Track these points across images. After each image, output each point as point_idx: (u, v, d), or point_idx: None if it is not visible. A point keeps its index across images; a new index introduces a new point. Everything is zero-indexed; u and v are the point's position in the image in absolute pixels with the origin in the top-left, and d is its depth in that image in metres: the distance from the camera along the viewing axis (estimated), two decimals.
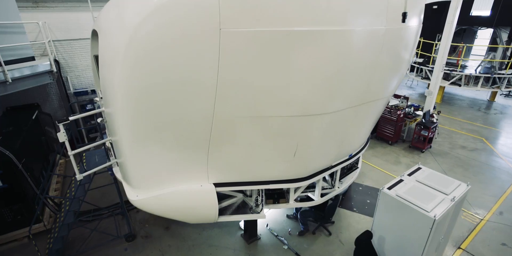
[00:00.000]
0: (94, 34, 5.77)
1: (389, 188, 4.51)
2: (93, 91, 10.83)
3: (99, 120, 4.83)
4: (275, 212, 6.99)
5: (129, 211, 7.06)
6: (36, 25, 8.60)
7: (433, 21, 15.56)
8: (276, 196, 5.49)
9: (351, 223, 6.63)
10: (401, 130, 10.47)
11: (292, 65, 3.35)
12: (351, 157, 5.62)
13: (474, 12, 15.21)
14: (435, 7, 16.40)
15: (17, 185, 5.72)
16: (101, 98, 5.14)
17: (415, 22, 4.53)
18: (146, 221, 6.76)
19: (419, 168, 5.09)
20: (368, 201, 7.39)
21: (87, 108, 10.68)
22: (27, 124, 7.42)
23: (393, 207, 4.35)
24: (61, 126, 4.37)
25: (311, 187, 5.70)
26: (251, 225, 6.07)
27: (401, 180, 4.72)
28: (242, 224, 6.44)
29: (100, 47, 4.09)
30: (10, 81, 7.18)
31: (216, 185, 4.68)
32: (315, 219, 6.30)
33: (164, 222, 6.71)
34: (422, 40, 15.47)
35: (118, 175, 5.19)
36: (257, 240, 6.16)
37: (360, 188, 7.95)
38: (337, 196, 6.09)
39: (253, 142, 4.11)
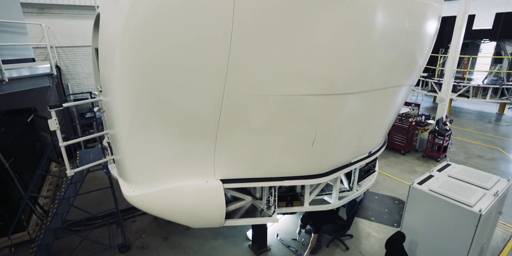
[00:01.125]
0: (96, 25, 5.54)
1: (419, 183, 3.98)
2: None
3: (95, 109, 4.42)
4: (285, 221, 6.34)
5: (125, 220, 6.43)
6: (40, 30, 8.49)
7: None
8: (289, 199, 4.93)
9: (370, 232, 5.96)
10: (413, 139, 10.00)
11: (317, 30, 2.99)
12: (370, 154, 5.12)
13: (476, 26, 15.37)
14: None
15: (1, 185, 5.16)
16: (100, 91, 4.79)
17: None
18: (143, 231, 6.11)
19: (448, 164, 4.58)
20: (386, 210, 6.76)
21: (86, 116, 10.33)
22: (20, 126, 6.99)
23: (426, 204, 3.80)
24: (53, 112, 3.94)
25: (327, 186, 5.16)
26: (260, 235, 5.42)
27: (431, 176, 4.20)
28: (249, 234, 5.79)
29: (101, 25, 3.80)
30: (7, 80, 6.86)
31: (224, 181, 4.15)
32: (332, 232, 5.62)
33: (162, 232, 6.05)
34: None
35: (114, 172, 4.67)
36: (267, 251, 5.48)
37: (376, 197, 7.34)
38: (355, 202, 5.50)
39: (267, 127, 3.65)
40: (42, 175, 7.50)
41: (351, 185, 5.40)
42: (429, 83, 15.20)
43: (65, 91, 9.93)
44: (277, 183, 4.23)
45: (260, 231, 5.38)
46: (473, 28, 15.21)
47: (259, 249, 5.44)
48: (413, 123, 9.53)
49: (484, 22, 15.92)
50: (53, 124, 3.97)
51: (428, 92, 15.30)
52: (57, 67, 9.28)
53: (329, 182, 5.42)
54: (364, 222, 6.32)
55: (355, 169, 5.25)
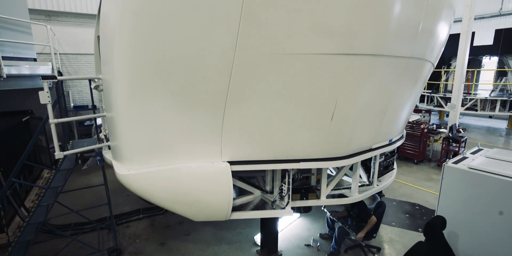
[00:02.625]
0: (99, 12, 5.41)
1: (454, 163, 3.50)
2: (94, 107, 10.27)
3: (92, 85, 4.08)
4: (297, 227, 5.68)
5: (118, 225, 5.78)
6: (45, 36, 8.45)
7: None
8: (303, 191, 4.39)
9: (393, 238, 5.29)
10: (426, 148, 9.52)
11: None
12: (391, 143, 4.67)
13: (476, 42, 15.60)
14: None
15: None
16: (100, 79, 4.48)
17: None
18: (137, 236, 5.44)
19: (480, 149, 4.12)
20: (407, 215, 6.12)
21: (85, 124, 9.98)
22: (12, 125, 6.62)
23: (465, 186, 3.29)
24: (45, 84, 3.61)
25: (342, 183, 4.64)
26: (270, 238, 4.77)
27: (464, 157, 3.73)
28: (257, 239, 5.12)
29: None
30: (5, 76, 6.64)
31: (232, 163, 3.67)
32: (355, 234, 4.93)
33: (159, 237, 5.39)
34: None
35: (108, 155, 4.20)
36: None
37: (394, 202, 6.71)
38: (381, 203, 4.89)
39: (282, 95, 3.28)
40: (30, 180, 6.96)
41: (370, 179, 4.87)
42: (435, 98, 15.04)
43: (65, 98, 9.71)
44: (292, 165, 3.74)
45: (270, 234, 4.74)
46: (474, 44, 15.40)
47: (269, 254, 4.76)
48: (425, 130, 9.13)
49: (484, 39, 16.22)
50: (44, 97, 3.62)
51: (434, 107, 15.07)
52: (59, 73, 9.13)
53: (347, 175, 4.91)
54: (385, 227, 5.66)
55: (374, 160, 4.78)
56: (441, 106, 14.64)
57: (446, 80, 15.52)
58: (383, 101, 3.87)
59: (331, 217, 5.02)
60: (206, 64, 3.05)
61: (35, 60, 7.62)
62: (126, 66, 3.13)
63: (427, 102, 15.88)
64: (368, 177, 4.93)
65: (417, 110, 10.16)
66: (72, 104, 10.00)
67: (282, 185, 4.03)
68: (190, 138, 3.51)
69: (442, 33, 4.15)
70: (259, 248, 4.96)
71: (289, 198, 4.00)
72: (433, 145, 9.94)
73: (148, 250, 5.01)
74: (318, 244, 5.02)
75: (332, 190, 4.55)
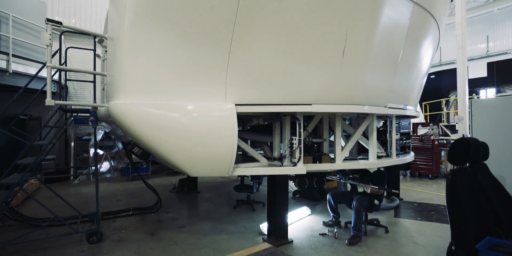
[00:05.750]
0: None
1: None
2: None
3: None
4: (309, 221, 4.95)
5: (103, 220, 5.02)
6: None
7: (434, 88, 16.48)
8: (316, 155, 3.92)
9: (421, 229, 4.53)
10: (439, 164, 8.99)
11: None
12: (405, 108, 4.37)
13: (471, 76, 16.18)
14: (432, 76, 17.66)
15: None
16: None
17: None
18: (124, 228, 4.69)
19: None
20: (432, 212, 5.38)
21: (83, 138, 9.68)
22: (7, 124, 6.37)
23: (495, 112, 2.92)
24: (49, 26, 3.56)
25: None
26: (279, 224, 4.05)
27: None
28: (263, 228, 4.39)
29: None
30: (11, 72, 6.71)
31: (238, 105, 3.36)
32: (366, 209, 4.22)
33: (149, 229, 4.64)
34: (428, 103, 15.76)
35: (103, 109, 3.86)
36: (289, 243, 4.03)
37: (415, 204, 5.99)
38: (383, 173, 4.30)
39: (291, 26, 3.17)
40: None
41: (388, 151, 4.42)
42: (439, 127, 14.89)
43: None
44: (302, 108, 3.40)
45: (278, 219, 4.04)
46: (469, 77, 15.97)
47: (277, 240, 4.01)
48: (436, 142, 8.76)
49: (476, 71, 16.89)
50: (46, 38, 3.52)
51: (440, 135, 14.82)
52: (65, 87, 9.27)
53: (363, 143, 4.46)
54: (410, 221, 4.91)
55: (390, 129, 4.41)
56: (447, 135, 14.38)
57: (447, 108, 15.65)
58: (395, 48, 3.73)
59: (334, 197, 4.38)
60: None
61: (44, 64, 7.76)
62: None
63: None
64: (385, 150, 4.48)
65: (425, 124, 9.92)
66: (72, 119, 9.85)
67: (292, 139, 3.61)
68: (194, 76, 3.28)
69: None
70: (266, 236, 4.21)
71: (300, 153, 3.54)
72: (446, 162, 9.42)
73: (135, 239, 4.25)
74: (335, 230, 4.27)
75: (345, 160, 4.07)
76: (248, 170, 3.47)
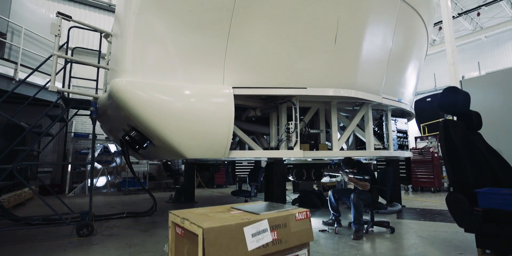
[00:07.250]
0: None
1: None
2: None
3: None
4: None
5: (96, 221, 4.85)
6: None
7: (430, 111, 16.72)
8: (313, 142, 3.94)
9: (425, 227, 4.37)
10: (441, 176, 8.85)
11: None
12: (400, 102, 4.46)
13: None
14: (428, 99, 18.02)
15: None
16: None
17: None
18: (117, 227, 4.52)
19: None
20: (437, 215, 5.21)
21: (81, 151, 9.65)
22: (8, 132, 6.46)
23: (486, 88, 3.01)
24: (59, 18, 3.82)
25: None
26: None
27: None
28: None
29: None
30: (17, 79, 6.92)
31: (235, 88, 3.46)
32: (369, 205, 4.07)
33: (142, 227, 4.48)
34: (426, 124, 15.88)
35: (101, 93, 3.95)
36: None
37: (418, 209, 5.81)
38: (388, 172, 4.24)
39: (286, 12, 3.39)
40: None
41: (385, 144, 4.43)
42: (437, 139, 14.87)
43: (68, 127, 9.75)
44: (298, 91, 3.50)
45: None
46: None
47: None
48: (435, 155, 8.71)
49: None
50: (56, 28, 3.74)
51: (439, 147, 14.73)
52: (68, 96, 9.44)
53: (359, 136, 4.48)
54: (413, 221, 4.74)
55: (386, 121, 4.47)
56: None
57: None
58: (385, 37, 3.93)
59: (335, 195, 4.25)
60: None
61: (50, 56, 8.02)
62: None
63: None
64: (383, 143, 4.49)
65: (423, 138, 9.94)
66: (73, 134, 9.92)
67: (288, 124, 3.65)
68: (193, 60, 3.43)
69: None
70: None
71: (297, 137, 3.56)
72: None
73: (127, 234, 4.09)
74: (335, 226, 4.12)
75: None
76: (244, 152, 3.46)
